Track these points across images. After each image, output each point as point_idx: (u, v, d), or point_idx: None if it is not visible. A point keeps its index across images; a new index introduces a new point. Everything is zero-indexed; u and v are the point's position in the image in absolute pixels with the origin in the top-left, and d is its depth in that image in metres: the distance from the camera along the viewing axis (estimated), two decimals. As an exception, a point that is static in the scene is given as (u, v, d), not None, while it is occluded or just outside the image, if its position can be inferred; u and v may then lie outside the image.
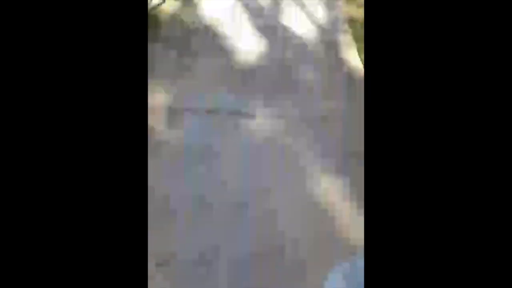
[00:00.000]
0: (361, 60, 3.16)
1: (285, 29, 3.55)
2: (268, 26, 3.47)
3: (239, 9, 3.60)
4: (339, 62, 3.13)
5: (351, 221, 2.00)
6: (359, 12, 3.95)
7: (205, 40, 3.17)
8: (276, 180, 2.20)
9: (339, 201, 2.12)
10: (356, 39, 3.45)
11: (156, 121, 2.41)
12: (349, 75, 3.00)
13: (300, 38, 3.45)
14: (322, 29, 3.62)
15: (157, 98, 2.56)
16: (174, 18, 3.37)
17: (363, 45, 3.31)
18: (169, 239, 1.82)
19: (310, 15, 3.81)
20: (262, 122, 2.56)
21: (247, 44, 3.19)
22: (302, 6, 3.96)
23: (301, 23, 3.65)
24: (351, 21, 3.79)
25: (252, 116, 2.57)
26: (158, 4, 3.38)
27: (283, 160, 2.33)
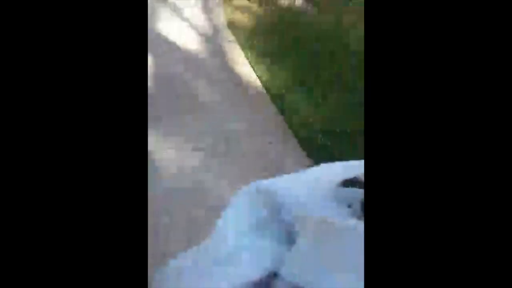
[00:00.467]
0: (254, 70, 3.11)
1: (167, 39, 3.35)
2: (149, 37, 3.23)
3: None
4: (232, 75, 3.04)
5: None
6: (239, 16, 3.90)
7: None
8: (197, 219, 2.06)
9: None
10: (242, 46, 3.40)
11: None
12: (247, 89, 2.93)
13: (185, 49, 3.28)
14: (205, 37, 3.50)
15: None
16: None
17: (252, 52, 3.28)
18: None
19: (189, 21, 3.66)
20: (165, 157, 2.37)
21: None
22: (178, 10, 3.78)
23: (182, 31, 3.48)
24: (232, 26, 3.72)
25: (154, 151, 2.37)
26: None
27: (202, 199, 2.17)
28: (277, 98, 2.77)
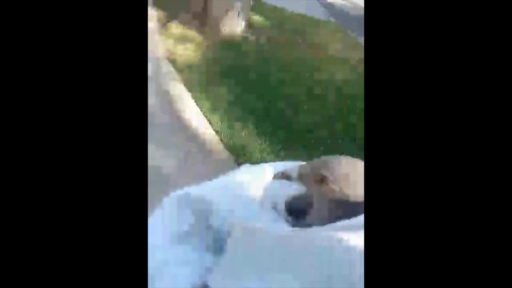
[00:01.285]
0: (205, 114, 2.59)
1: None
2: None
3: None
4: (184, 126, 2.49)
5: None
6: (181, 48, 3.35)
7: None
8: None
9: None
10: (188, 84, 2.85)
11: None
12: (204, 143, 2.40)
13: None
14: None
15: None
16: None
17: (201, 91, 2.75)
18: None
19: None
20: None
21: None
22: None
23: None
24: (173, 60, 3.16)
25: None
26: None
27: None
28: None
